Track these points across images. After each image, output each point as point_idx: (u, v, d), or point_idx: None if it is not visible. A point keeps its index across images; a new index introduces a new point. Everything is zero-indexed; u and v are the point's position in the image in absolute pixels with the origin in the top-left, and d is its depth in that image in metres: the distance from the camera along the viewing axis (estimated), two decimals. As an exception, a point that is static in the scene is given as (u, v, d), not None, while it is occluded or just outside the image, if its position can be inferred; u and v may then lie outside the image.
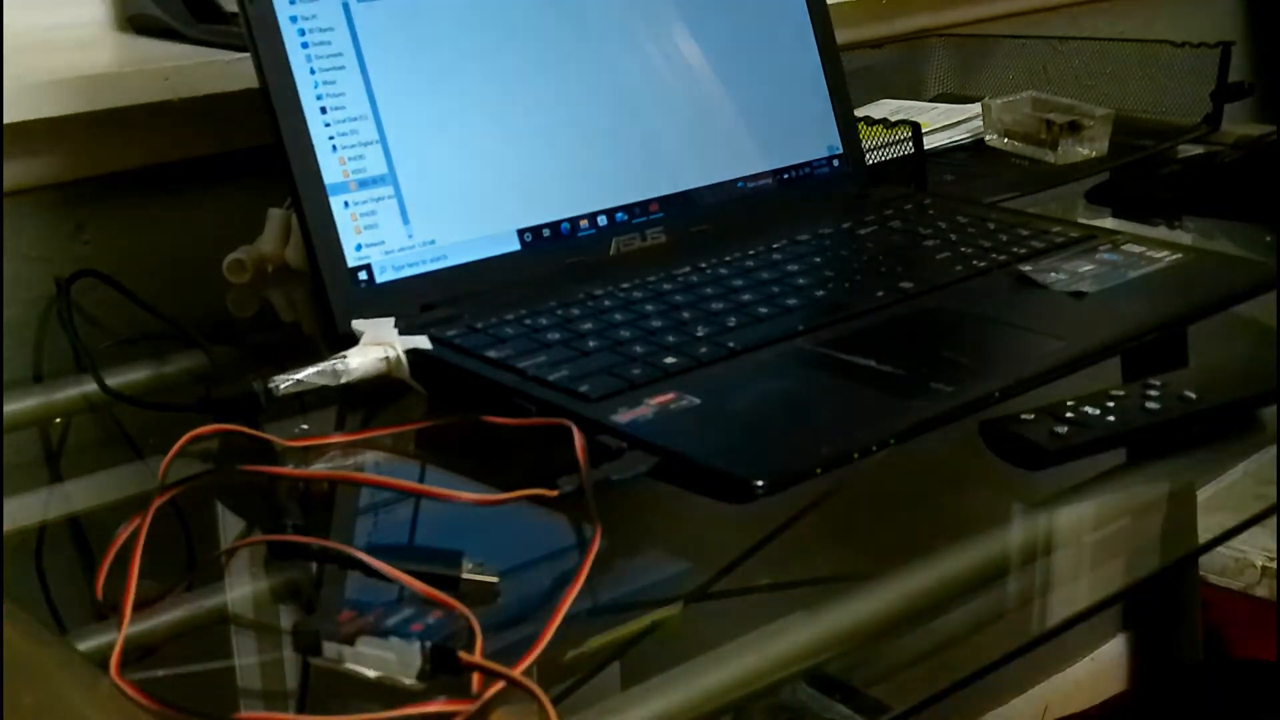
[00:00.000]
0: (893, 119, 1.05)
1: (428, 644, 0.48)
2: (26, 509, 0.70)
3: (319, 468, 0.68)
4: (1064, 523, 0.67)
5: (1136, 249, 0.86)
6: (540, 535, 0.63)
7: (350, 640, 0.49)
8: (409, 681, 0.48)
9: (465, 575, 0.55)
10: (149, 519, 0.60)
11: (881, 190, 1.01)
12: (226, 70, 0.94)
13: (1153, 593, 1.73)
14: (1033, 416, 0.66)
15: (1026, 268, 0.83)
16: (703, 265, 0.85)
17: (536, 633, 0.51)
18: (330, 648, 0.50)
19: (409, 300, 0.79)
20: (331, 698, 0.52)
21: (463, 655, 0.49)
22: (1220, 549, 1.76)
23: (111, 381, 0.79)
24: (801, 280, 0.83)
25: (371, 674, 0.49)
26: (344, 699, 0.51)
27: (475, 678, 0.49)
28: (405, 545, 0.61)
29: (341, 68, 0.79)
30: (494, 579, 0.56)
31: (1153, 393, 0.68)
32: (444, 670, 0.48)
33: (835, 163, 1.00)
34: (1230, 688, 1.71)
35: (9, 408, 0.79)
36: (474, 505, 0.63)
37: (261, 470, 0.66)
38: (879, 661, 0.56)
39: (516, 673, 0.49)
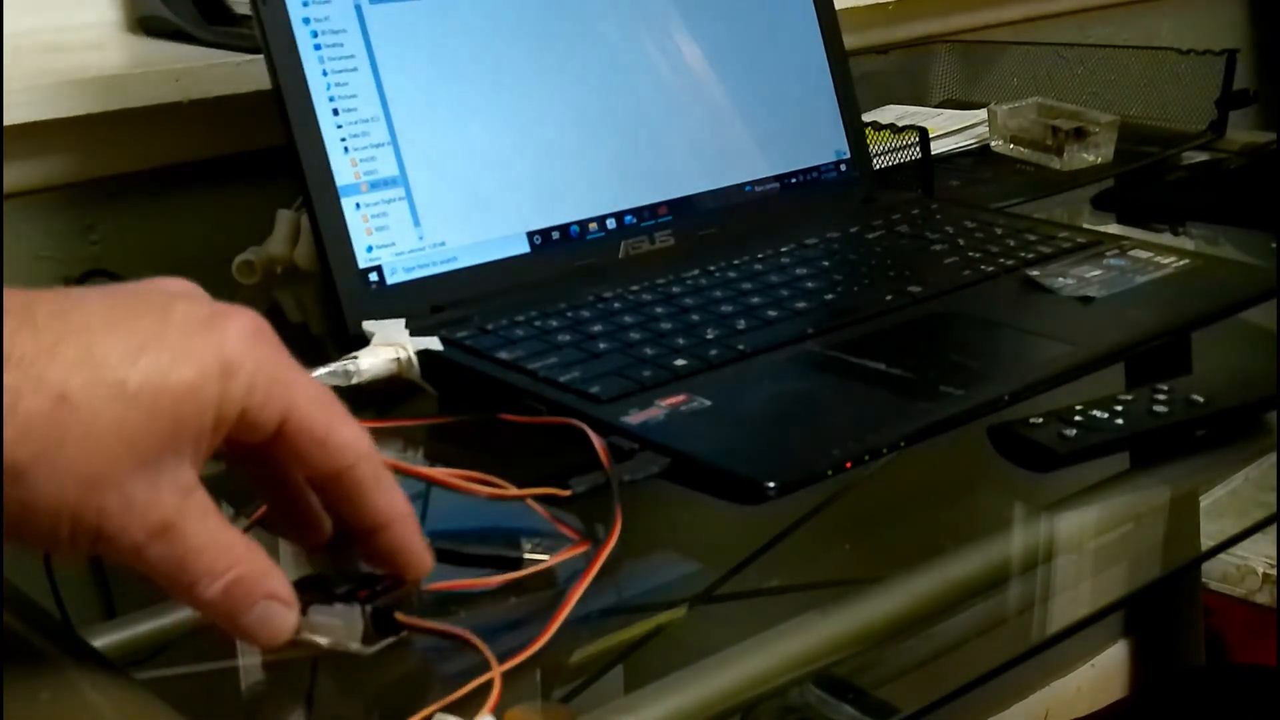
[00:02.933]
0: (899, 124, 1.06)
1: (368, 607, 0.49)
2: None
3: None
4: (1068, 528, 0.67)
5: (1143, 255, 0.86)
6: (552, 536, 0.63)
7: (304, 610, 0.49)
8: (355, 646, 0.49)
9: (527, 555, 0.56)
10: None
11: (889, 195, 1.01)
12: (236, 72, 0.95)
13: (1154, 599, 1.73)
14: (1041, 420, 0.66)
15: (1034, 272, 0.83)
16: (711, 268, 0.85)
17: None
18: None
19: (419, 301, 0.79)
20: (342, 696, 0.52)
21: (399, 615, 0.50)
22: (1222, 555, 1.76)
23: (122, 381, 0.79)
24: (810, 284, 0.83)
25: (324, 641, 0.50)
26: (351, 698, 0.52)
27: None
28: (459, 530, 0.61)
29: (354, 69, 0.79)
30: (546, 558, 0.56)
31: (1160, 397, 0.68)
32: (385, 631, 0.50)
33: (843, 167, 1.00)
34: (1231, 694, 1.71)
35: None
36: (486, 504, 0.62)
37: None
38: (887, 664, 0.56)
39: (462, 630, 0.50)
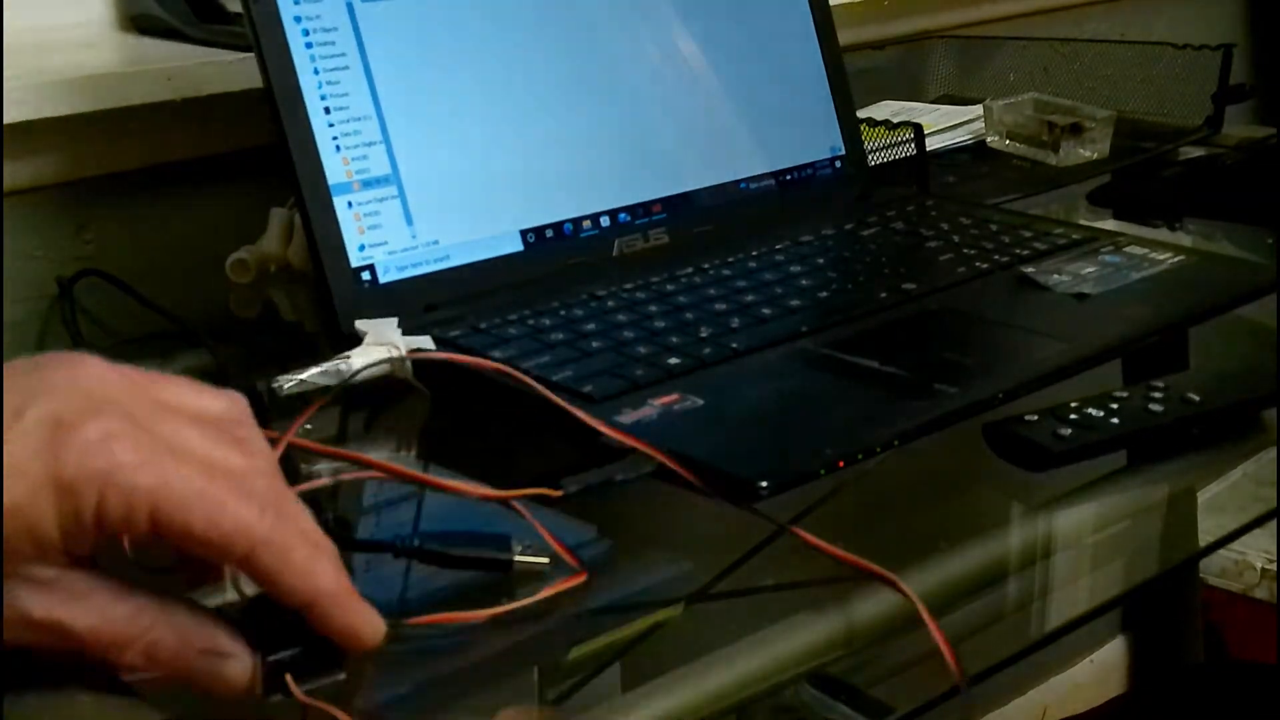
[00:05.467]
0: (894, 120, 1.06)
1: (269, 659, 0.47)
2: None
3: (323, 466, 0.68)
4: (1065, 525, 0.67)
5: (1139, 251, 0.86)
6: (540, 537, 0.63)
7: None
8: (257, 692, 0.47)
9: (517, 558, 0.55)
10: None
11: (884, 191, 1.01)
12: (229, 70, 0.94)
13: (1153, 595, 1.73)
14: (1036, 418, 0.66)
15: (1029, 269, 0.83)
16: (705, 266, 0.85)
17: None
18: None
19: (412, 300, 0.79)
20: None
21: (289, 679, 0.47)
22: (1220, 551, 1.76)
23: (115, 381, 0.79)
24: (804, 281, 0.83)
25: None
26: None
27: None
28: (449, 532, 0.59)
29: (345, 68, 0.79)
30: (545, 560, 0.56)
31: (1155, 394, 0.68)
32: (275, 690, 0.47)
33: (837, 164, 1.00)
34: (1230, 690, 1.71)
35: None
36: (475, 507, 0.62)
37: (271, 434, 0.66)
38: (881, 662, 0.56)
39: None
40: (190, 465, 0.43)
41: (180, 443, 0.44)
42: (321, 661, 0.47)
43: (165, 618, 0.45)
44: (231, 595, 0.49)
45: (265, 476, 0.46)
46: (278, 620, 0.47)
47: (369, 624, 0.47)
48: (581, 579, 0.55)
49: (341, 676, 0.48)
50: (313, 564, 0.45)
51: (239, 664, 0.45)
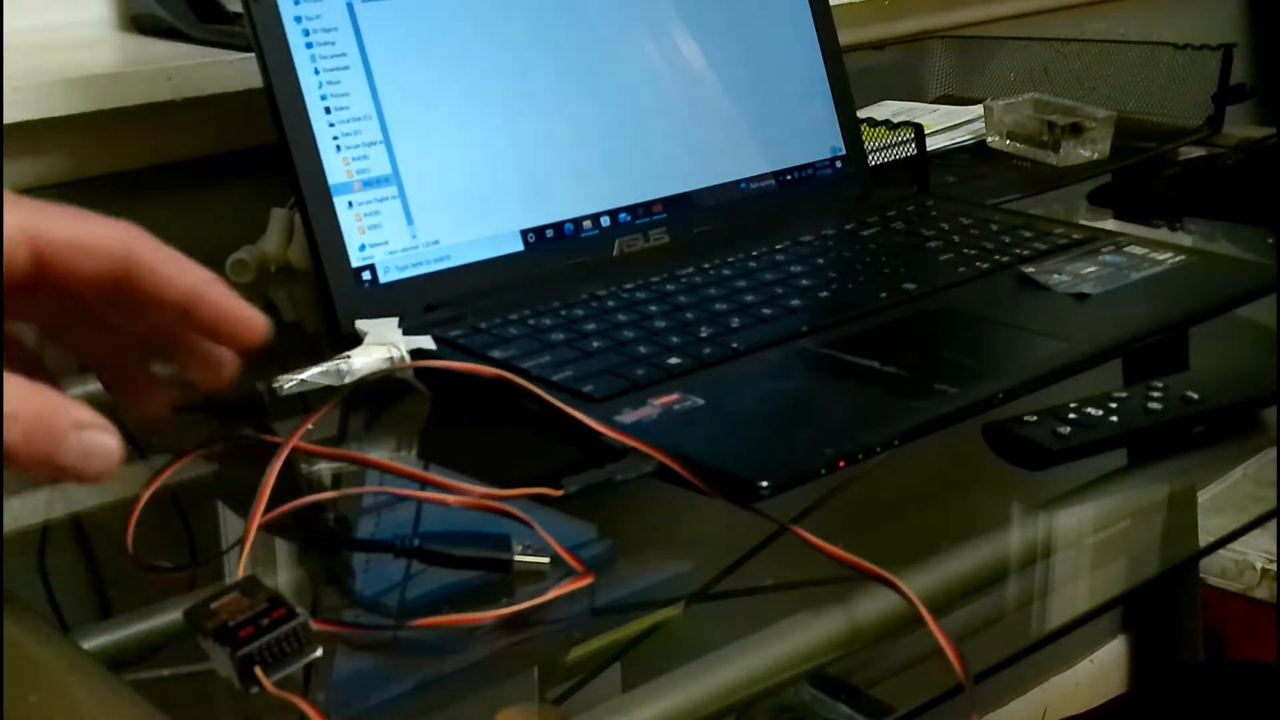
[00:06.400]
0: (894, 120, 1.06)
1: (238, 654, 0.47)
2: (29, 509, 0.70)
3: (323, 465, 0.68)
4: (1065, 525, 0.67)
5: (1139, 251, 0.86)
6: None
7: (204, 634, 0.48)
8: (237, 686, 0.47)
9: (518, 558, 0.55)
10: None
11: (884, 191, 1.01)
12: (229, 70, 0.94)
13: (1153, 594, 1.73)
14: (1035, 417, 0.66)
15: (1029, 269, 0.83)
16: (706, 266, 0.85)
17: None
18: (199, 638, 0.49)
19: (413, 300, 0.79)
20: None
21: (258, 671, 0.47)
22: (1220, 551, 1.76)
23: (115, 381, 0.79)
24: (805, 281, 0.83)
25: (222, 672, 0.48)
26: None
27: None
28: (450, 532, 0.59)
29: (346, 68, 0.79)
30: (545, 560, 0.56)
31: (1155, 394, 0.68)
32: (248, 680, 0.47)
33: (838, 164, 1.00)
34: (1230, 690, 1.71)
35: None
36: (473, 507, 0.62)
37: (274, 440, 0.66)
38: (882, 662, 0.56)
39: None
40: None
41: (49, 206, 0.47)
42: (297, 643, 0.48)
43: (41, 393, 0.43)
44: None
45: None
46: (250, 617, 0.48)
47: (255, 313, 0.50)
48: (589, 580, 0.55)
49: (319, 653, 0.48)
50: (187, 261, 0.48)
51: (110, 436, 0.44)
